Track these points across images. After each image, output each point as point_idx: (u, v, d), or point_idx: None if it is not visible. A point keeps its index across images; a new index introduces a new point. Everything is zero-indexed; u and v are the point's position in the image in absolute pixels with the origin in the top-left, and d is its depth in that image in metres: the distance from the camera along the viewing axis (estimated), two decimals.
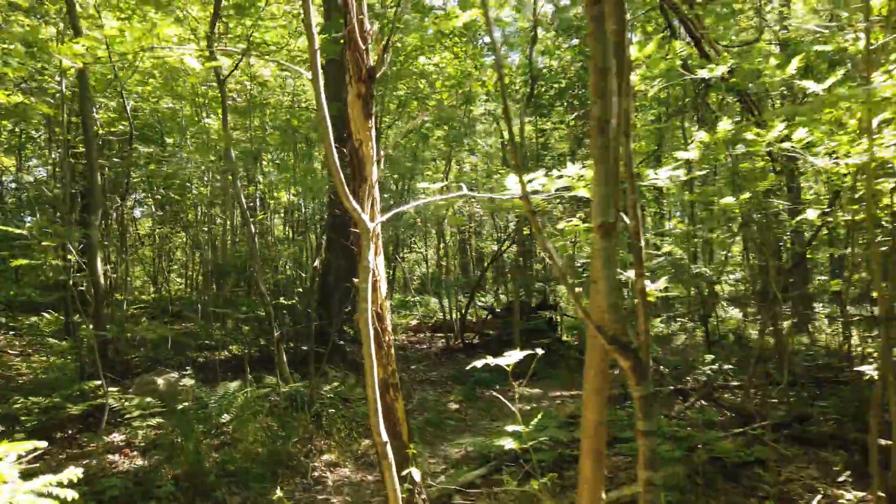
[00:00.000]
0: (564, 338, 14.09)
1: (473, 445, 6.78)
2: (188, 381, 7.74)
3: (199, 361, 11.22)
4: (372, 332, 3.38)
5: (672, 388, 9.45)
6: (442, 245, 17.75)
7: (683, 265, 10.19)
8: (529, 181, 3.81)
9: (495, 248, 17.13)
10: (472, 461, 6.62)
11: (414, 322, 17.22)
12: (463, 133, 14.15)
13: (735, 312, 19.18)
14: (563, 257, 14.39)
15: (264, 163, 14.68)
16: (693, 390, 9.32)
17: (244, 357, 10.09)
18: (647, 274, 3.15)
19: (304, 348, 10.05)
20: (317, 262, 7.92)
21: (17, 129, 14.04)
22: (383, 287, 5.09)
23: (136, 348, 10.10)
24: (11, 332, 12.07)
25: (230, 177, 9.09)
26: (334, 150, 3.21)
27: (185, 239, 18.53)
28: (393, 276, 19.06)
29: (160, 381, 7.97)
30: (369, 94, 4.83)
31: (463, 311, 13.56)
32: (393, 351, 5.16)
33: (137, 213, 19.35)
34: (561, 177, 4.03)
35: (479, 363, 3.75)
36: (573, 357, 12.17)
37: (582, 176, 4.11)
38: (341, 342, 11.44)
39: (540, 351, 3.70)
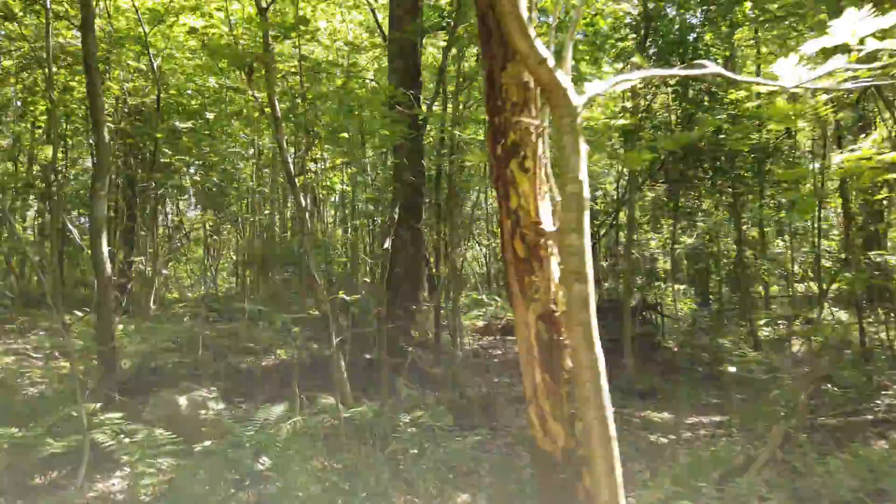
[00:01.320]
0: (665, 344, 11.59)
1: None
2: (216, 405, 5.59)
3: (242, 369, 9.18)
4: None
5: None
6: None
7: None
8: None
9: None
10: None
11: (481, 324, 14.92)
12: None
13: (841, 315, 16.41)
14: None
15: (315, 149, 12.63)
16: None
17: (293, 365, 7.97)
18: None
19: (369, 357, 7.85)
20: (387, 243, 5.67)
21: None
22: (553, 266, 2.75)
23: (158, 355, 8.05)
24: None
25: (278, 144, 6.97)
26: None
27: (232, 231, 16.71)
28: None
29: (183, 401, 5.85)
30: None
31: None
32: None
33: (175, 206, 17.59)
34: None
35: None
36: (694, 370, 9.67)
37: None
38: (409, 348, 9.24)
39: None
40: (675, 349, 10.80)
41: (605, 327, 8.55)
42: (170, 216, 19.80)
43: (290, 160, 6.39)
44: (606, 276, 13.19)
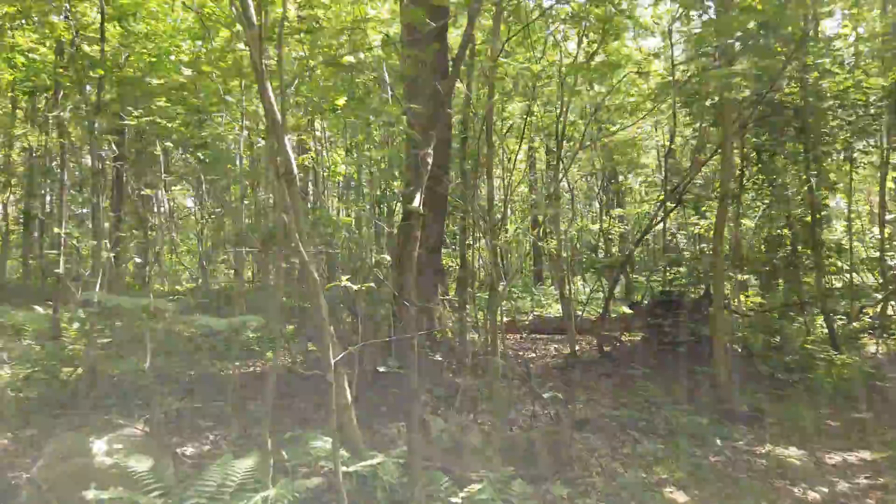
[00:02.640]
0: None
1: None
2: (143, 459, 3.41)
3: (220, 376, 7.06)
4: None
5: None
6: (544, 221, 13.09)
7: None
8: None
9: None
10: None
11: (505, 320, 12.73)
12: None
13: None
14: None
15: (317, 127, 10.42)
16: None
17: (281, 381, 5.85)
18: None
19: (382, 370, 5.69)
20: (417, 200, 3.47)
21: None
22: None
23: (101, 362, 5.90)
24: None
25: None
26: None
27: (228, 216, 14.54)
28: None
29: (100, 446, 3.68)
30: None
31: (605, 305, 8.89)
32: None
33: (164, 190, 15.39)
34: None
35: None
36: (785, 380, 7.48)
37: None
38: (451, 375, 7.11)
39: None
40: (748, 353, 8.59)
41: (668, 327, 6.24)
42: (166, 202, 17.67)
43: (276, 110, 4.19)
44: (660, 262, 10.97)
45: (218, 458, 3.58)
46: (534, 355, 10.00)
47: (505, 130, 9.79)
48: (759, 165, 8.56)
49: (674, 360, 7.87)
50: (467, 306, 9.07)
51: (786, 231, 10.30)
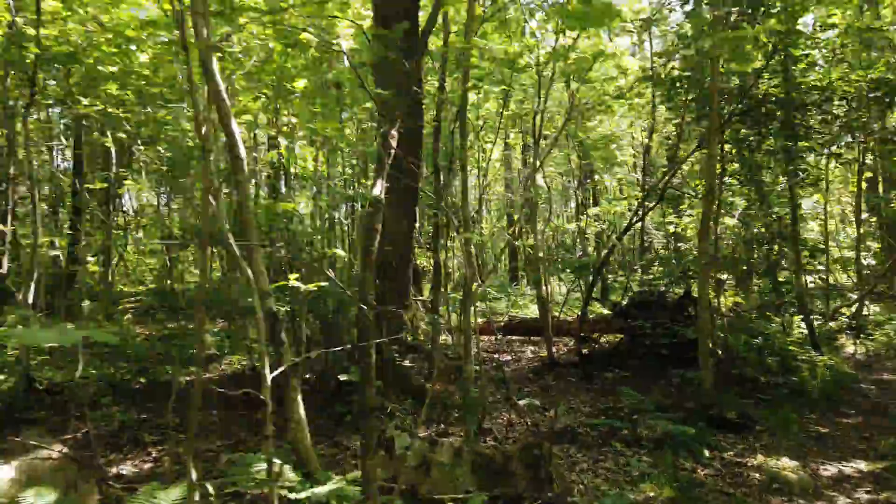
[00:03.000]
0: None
1: None
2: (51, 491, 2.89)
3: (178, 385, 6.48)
4: None
5: None
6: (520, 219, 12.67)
7: None
8: None
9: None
10: None
11: (480, 321, 12.28)
12: None
13: None
14: None
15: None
16: None
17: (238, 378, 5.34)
18: None
19: (345, 379, 5.20)
20: (378, 188, 2.99)
21: None
22: None
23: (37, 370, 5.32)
24: None
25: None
26: None
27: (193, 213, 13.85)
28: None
29: (5, 473, 3.14)
30: None
31: (583, 306, 8.49)
32: None
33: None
34: None
35: None
36: (770, 384, 7.15)
37: None
38: (398, 355, 6.60)
39: None
40: (730, 355, 8.27)
41: (648, 329, 5.79)
42: (129, 199, 16.89)
43: (221, 89, 3.67)
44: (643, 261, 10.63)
45: (157, 478, 3.07)
46: (509, 358, 9.58)
47: (480, 123, 9.32)
48: (741, 161, 8.23)
49: (655, 363, 7.51)
50: (440, 308, 8.63)
51: (764, 229, 10.04)
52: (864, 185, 15.92)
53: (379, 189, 3.15)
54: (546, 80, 9.20)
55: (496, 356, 9.86)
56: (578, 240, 14.41)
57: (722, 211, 10.01)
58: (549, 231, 18.67)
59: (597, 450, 4.94)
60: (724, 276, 10.66)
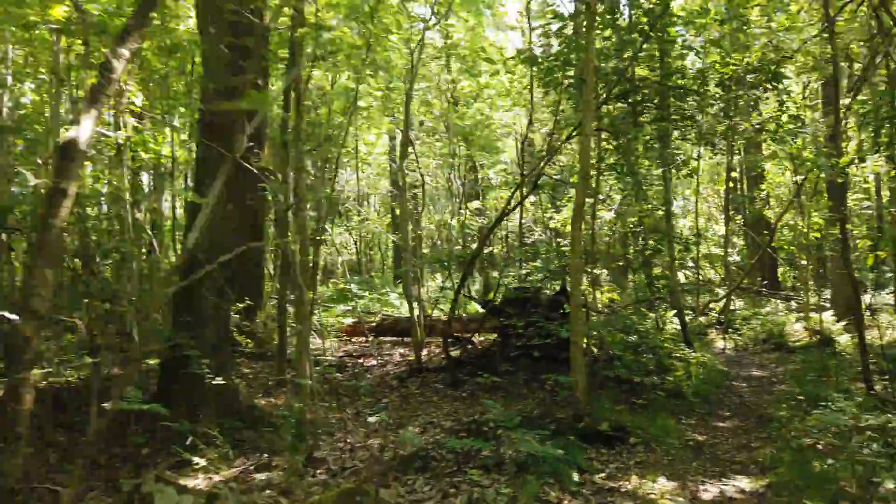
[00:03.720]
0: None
1: None
2: None
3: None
4: None
5: None
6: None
7: None
8: None
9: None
10: None
11: (349, 322, 11.19)
12: None
13: None
14: None
15: None
16: None
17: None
18: None
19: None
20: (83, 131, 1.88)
21: None
22: None
23: None
24: None
25: None
26: None
27: None
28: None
29: None
30: None
31: (452, 304, 7.57)
32: None
33: None
34: None
35: None
36: (647, 387, 6.60)
37: None
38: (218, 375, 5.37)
39: None
40: (607, 355, 7.72)
41: (521, 328, 4.99)
42: None
43: None
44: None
45: None
46: (375, 363, 8.57)
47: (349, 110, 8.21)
48: (616, 147, 7.71)
49: (528, 367, 6.78)
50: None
51: (639, 221, 9.71)
52: (731, 184, 16.45)
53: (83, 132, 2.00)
54: (421, 59, 8.31)
55: (361, 360, 8.81)
56: (458, 235, 13.67)
57: (599, 205, 9.58)
58: (432, 225, 17.88)
59: (449, 480, 4.02)
60: (599, 271, 10.29)
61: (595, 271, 9.92)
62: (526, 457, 4.19)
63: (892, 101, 6.40)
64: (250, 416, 5.08)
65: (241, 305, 7.39)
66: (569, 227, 11.26)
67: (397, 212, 15.20)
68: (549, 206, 12.62)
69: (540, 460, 4.07)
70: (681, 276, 15.09)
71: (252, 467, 4.15)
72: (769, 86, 6.34)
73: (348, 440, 4.83)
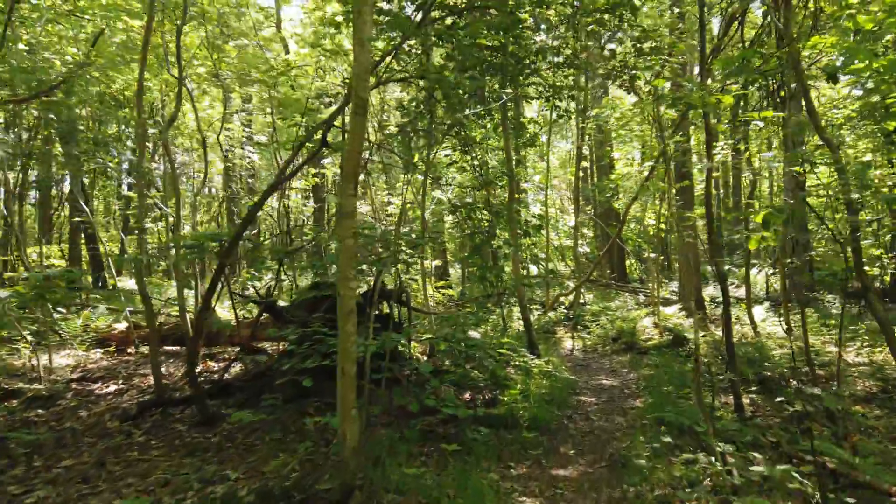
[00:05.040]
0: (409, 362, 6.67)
1: None
2: None
3: None
4: None
5: None
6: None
7: None
8: None
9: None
10: None
11: (121, 327, 8.46)
12: None
13: None
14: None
15: None
16: None
17: None
18: None
19: None
20: None
21: None
22: None
23: None
24: None
25: None
26: None
27: None
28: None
29: None
30: None
31: (200, 310, 5.15)
32: None
33: None
34: None
35: None
36: (483, 421, 4.76)
37: None
38: None
39: None
40: (436, 369, 5.82)
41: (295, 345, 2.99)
42: None
43: None
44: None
45: None
46: (114, 388, 6.04)
47: None
48: (445, 97, 5.83)
49: (300, 396, 4.70)
50: None
51: (478, 202, 8.00)
52: (580, 174, 15.52)
53: None
54: None
55: (97, 386, 6.23)
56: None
57: (431, 182, 7.71)
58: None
59: None
60: (430, 261, 8.50)
61: (427, 263, 8.06)
62: None
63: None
64: None
65: None
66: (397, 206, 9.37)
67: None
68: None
69: None
70: (533, 269, 13.84)
71: None
72: (625, 11, 4.77)
73: None
